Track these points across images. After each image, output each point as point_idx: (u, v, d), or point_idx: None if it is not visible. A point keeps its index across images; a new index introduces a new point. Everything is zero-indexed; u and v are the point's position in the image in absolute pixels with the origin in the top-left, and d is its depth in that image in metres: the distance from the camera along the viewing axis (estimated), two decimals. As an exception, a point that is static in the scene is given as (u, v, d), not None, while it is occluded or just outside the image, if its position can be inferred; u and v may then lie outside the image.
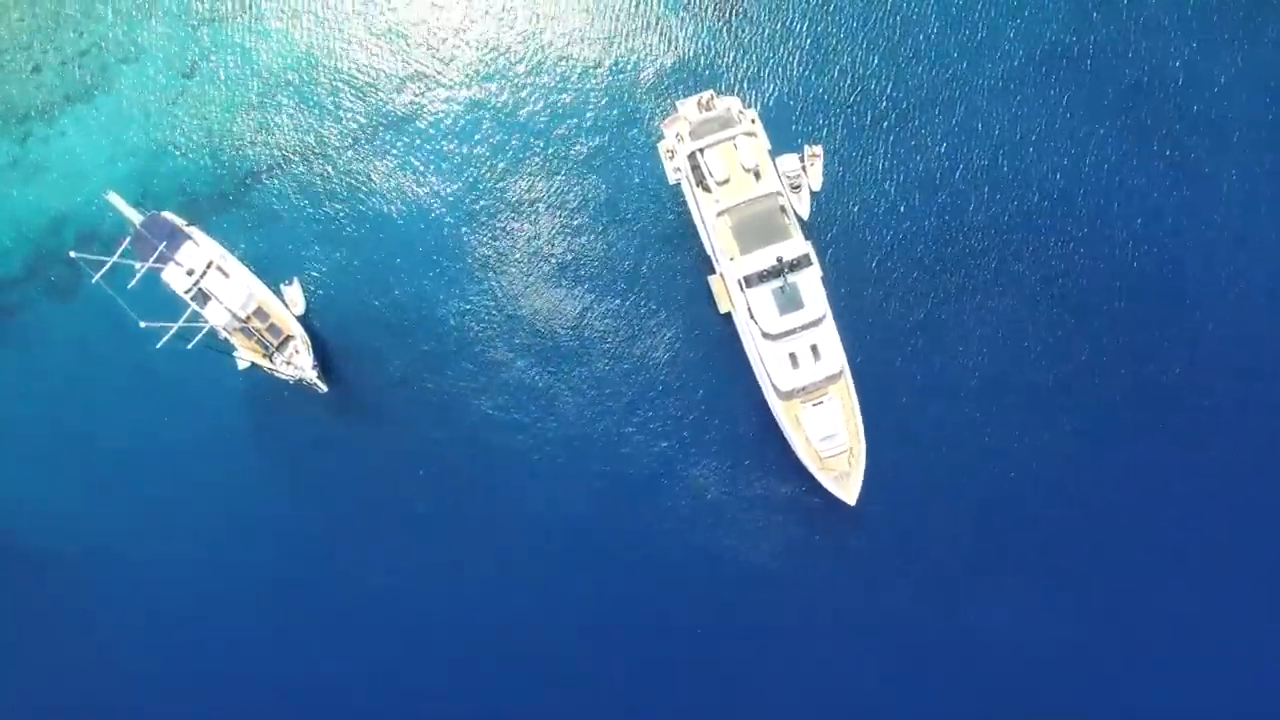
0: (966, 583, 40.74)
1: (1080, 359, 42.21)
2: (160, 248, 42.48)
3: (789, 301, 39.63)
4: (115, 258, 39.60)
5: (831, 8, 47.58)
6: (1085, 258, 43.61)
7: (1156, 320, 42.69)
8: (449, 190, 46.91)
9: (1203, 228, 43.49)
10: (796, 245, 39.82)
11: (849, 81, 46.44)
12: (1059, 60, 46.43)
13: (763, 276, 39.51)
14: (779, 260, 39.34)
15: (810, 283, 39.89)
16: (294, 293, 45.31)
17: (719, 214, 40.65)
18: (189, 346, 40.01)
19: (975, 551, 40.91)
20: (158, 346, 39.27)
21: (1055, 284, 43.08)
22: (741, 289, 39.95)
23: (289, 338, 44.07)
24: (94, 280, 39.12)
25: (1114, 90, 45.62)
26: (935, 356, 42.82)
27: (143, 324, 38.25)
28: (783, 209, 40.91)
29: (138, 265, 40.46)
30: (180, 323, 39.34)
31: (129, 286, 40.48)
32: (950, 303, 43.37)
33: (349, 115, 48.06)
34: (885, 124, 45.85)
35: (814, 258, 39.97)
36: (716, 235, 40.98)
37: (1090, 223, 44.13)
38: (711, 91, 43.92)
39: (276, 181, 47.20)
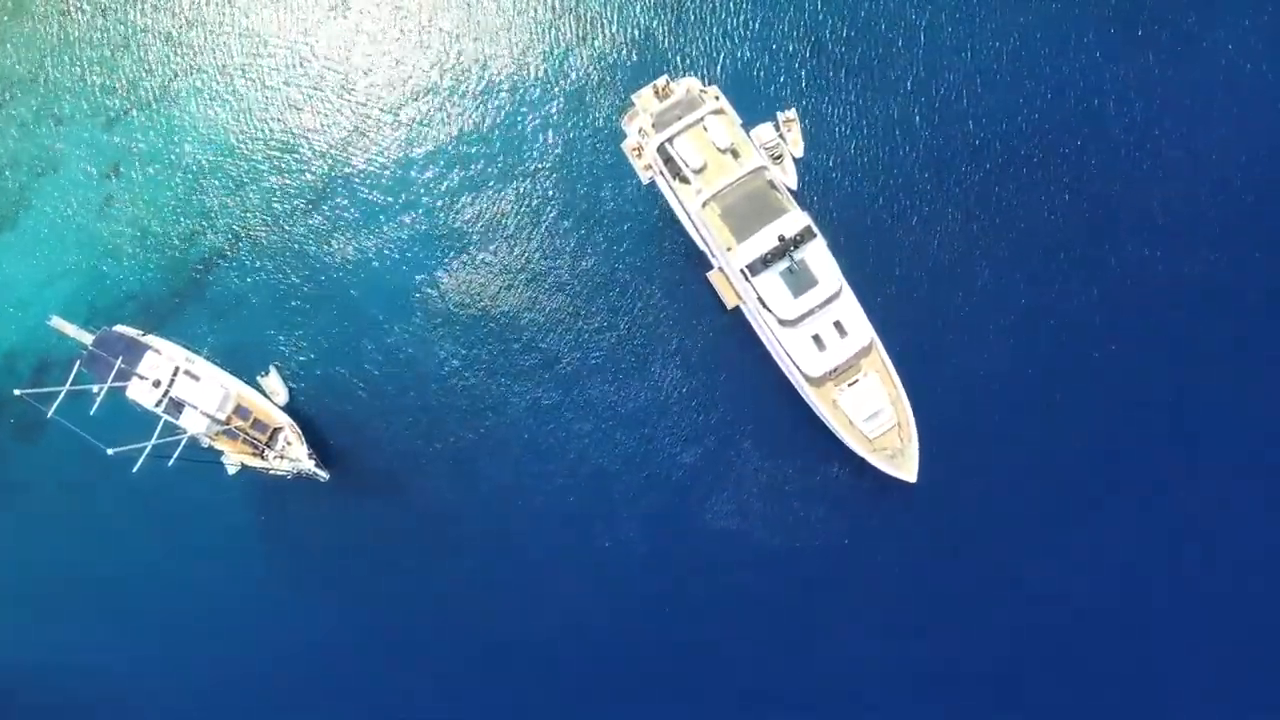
0: (1051, 541, 36.75)
1: (1110, 268, 38.18)
2: (118, 365, 38.12)
3: (801, 281, 35.38)
4: (67, 387, 35.29)
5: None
6: (1092, 164, 39.44)
7: (1183, 215, 38.70)
8: (413, 237, 42.48)
9: (1211, 110, 39.46)
10: (795, 219, 35.53)
11: (800, 32, 42.00)
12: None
13: (766, 261, 35.23)
14: (781, 239, 35.13)
15: (818, 255, 35.63)
16: (273, 381, 40.93)
17: (704, 204, 36.33)
18: (169, 464, 35.68)
19: (1053, 507, 36.88)
20: (134, 470, 34.86)
21: (1066, 195, 38.97)
22: (746, 278, 35.67)
23: (277, 430, 39.73)
24: (49, 415, 34.77)
25: None
26: (962, 300, 38.71)
27: (110, 451, 33.91)
28: (771, 183, 36.60)
29: (95, 389, 36.09)
30: (153, 440, 34.99)
31: (91, 413, 36.12)
32: (963, 238, 39.20)
33: (291, 180, 43.55)
34: (848, 67, 41.42)
35: (816, 229, 35.77)
36: (707, 227, 36.68)
37: (1089, 125, 39.91)
38: (666, 76, 39.54)
39: (230, 267, 42.74)
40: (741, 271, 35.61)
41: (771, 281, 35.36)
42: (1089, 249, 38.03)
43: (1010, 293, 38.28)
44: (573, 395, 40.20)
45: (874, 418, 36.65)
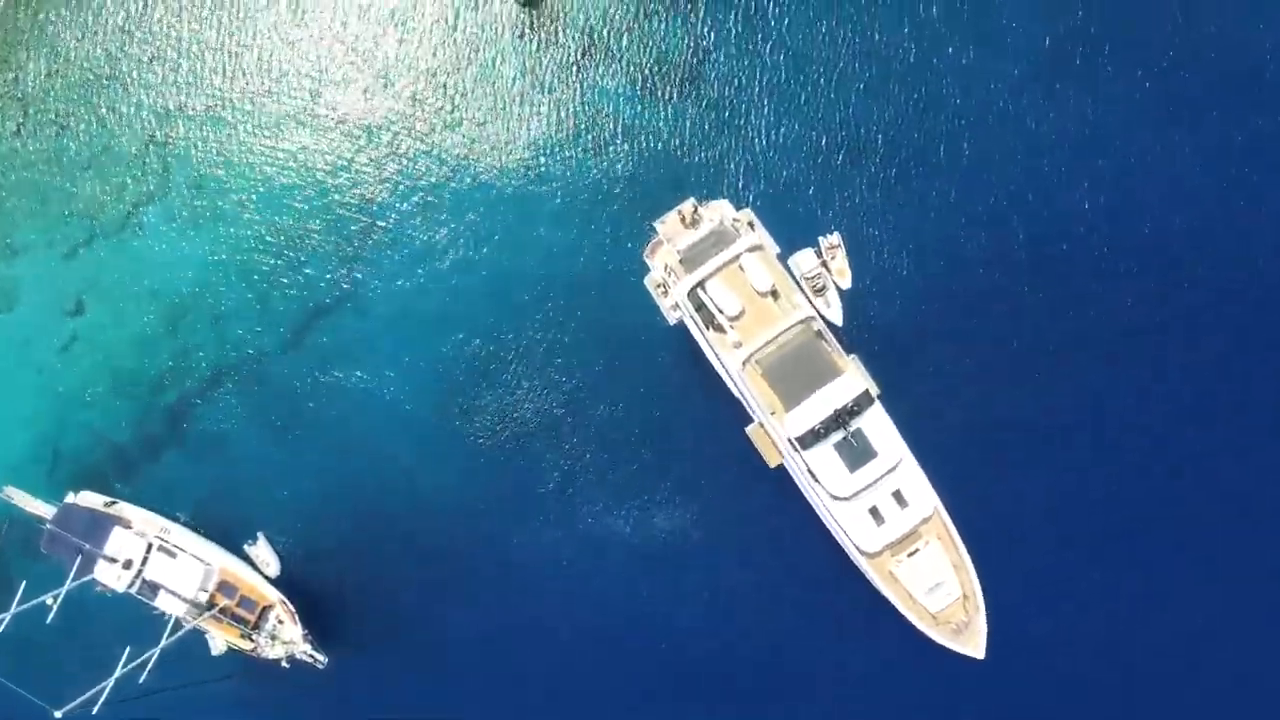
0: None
1: (1204, 419, 32.44)
2: (78, 560, 31.93)
3: (858, 454, 29.54)
4: (13, 610, 28.98)
5: (791, 69, 36.23)
6: (1175, 288, 33.56)
7: None
8: (414, 373, 36.27)
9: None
10: (851, 383, 29.55)
11: (840, 143, 35.76)
12: (1071, 52, 35.99)
13: (818, 434, 29.28)
14: (836, 410, 29.08)
15: (877, 424, 29.79)
16: (262, 550, 34.84)
17: (744, 363, 30.26)
18: (140, 681, 29.55)
19: (1139, 691, 31.30)
20: (94, 713, 28.63)
21: (1153, 332, 33.15)
22: (795, 449, 29.73)
23: (267, 608, 33.76)
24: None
25: (1145, 66, 35.23)
26: (1032, 453, 33.08)
27: (58, 715, 27.68)
28: (819, 334, 30.61)
29: (50, 599, 29.83)
30: (116, 673, 28.73)
31: (48, 621, 29.93)
32: (1034, 382, 33.41)
33: (277, 311, 37.09)
34: (887, 180, 35.36)
35: (874, 391, 29.77)
36: (748, 386, 30.72)
37: (1163, 242, 34.04)
38: (693, 200, 33.33)
39: (210, 413, 36.49)
40: (789, 442, 29.64)
41: (825, 455, 29.51)
42: (1179, 398, 32.21)
43: (1084, 444, 32.62)
44: (598, 569, 34.27)
45: (936, 590, 31.06)
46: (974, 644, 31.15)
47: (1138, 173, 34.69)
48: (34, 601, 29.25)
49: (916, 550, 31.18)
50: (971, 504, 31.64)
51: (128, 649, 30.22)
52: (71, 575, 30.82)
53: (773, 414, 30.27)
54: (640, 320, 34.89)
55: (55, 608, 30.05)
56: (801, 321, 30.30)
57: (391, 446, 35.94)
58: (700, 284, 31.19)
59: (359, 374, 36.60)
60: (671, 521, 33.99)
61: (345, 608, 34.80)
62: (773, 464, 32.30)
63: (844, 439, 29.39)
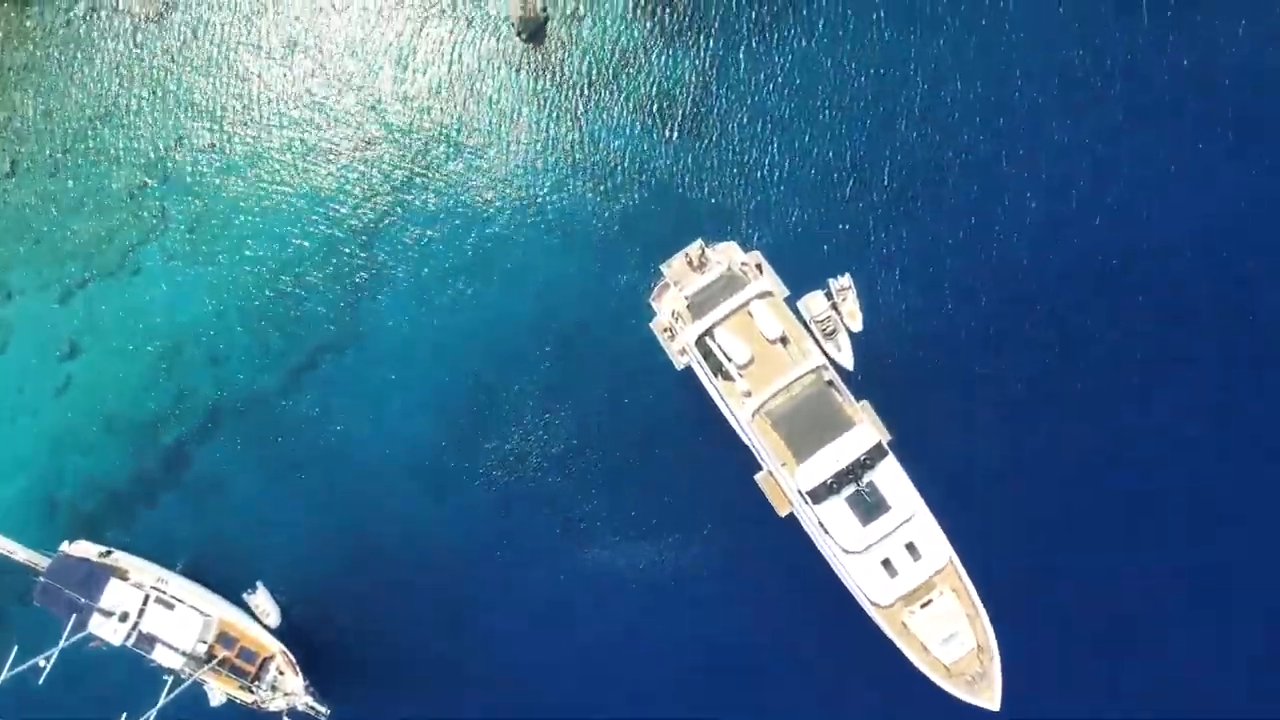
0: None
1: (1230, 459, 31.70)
2: (77, 605, 31.11)
3: (870, 507, 28.81)
4: (4, 674, 28.02)
5: (797, 106, 35.46)
6: (1202, 329, 32.75)
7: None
8: (417, 416, 35.49)
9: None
10: (863, 435, 28.82)
11: (850, 182, 35.06)
12: (1082, 87, 35.28)
13: (830, 487, 28.50)
14: (847, 464, 28.31)
15: (890, 476, 29.05)
16: (261, 599, 33.98)
17: (753, 414, 29.45)
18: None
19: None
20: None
21: (1185, 381, 32.41)
22: (807, 503, 28.94)
23: (268, 659, 32.94)
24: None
25: (1157, 100, 34.52)
26: (1047, 501, 32.29)
27: None
28: (830, 383, 29.84)
29: (42, 661, 28.94)
30: None
31: (40, 682, 29.01)
32: (1053, 429, 32.71)
33: (277, 352, 36.27)
34: (896, 220, 34.57)
35: (888, 443, 29.01)
36: (757, 437, 29.93)
37: (1189, 279, 33.28)
38: (700, 242, 32.62)
39: (207, 458, 35.67)
40: (800, 495, 28.86)
41: (836, 509, 28.74)
42: (1203, 443, 31.52)
43: (1102, 492, 31.86)
44: (603, 602, 33.54)
45: (950, 641, 30.26)
46: (989, 696, 30.33)
47: (1154, 209, 33.98)
48: (26, 665, 28.38)
49: (930, 601, 30.37)
50: (986, 553, 30.85)
51: (125, 714, 29.38)
52: (66, 633, 30.01)
53: (783, 465, 29.51)
54: (646, 363, 34.10)
55: (48, 668, 29.21)
56: (812, 371, 29.56)
57: (393, 490, 35.11)
58: (708, 331, 30.45)
59: (359, 416, 35.77)
60: (679, 569, 33.21)
61: (348, 657, 33.96)
62: (783, 513, 31.50)
63: (856, 492, 28.65)
